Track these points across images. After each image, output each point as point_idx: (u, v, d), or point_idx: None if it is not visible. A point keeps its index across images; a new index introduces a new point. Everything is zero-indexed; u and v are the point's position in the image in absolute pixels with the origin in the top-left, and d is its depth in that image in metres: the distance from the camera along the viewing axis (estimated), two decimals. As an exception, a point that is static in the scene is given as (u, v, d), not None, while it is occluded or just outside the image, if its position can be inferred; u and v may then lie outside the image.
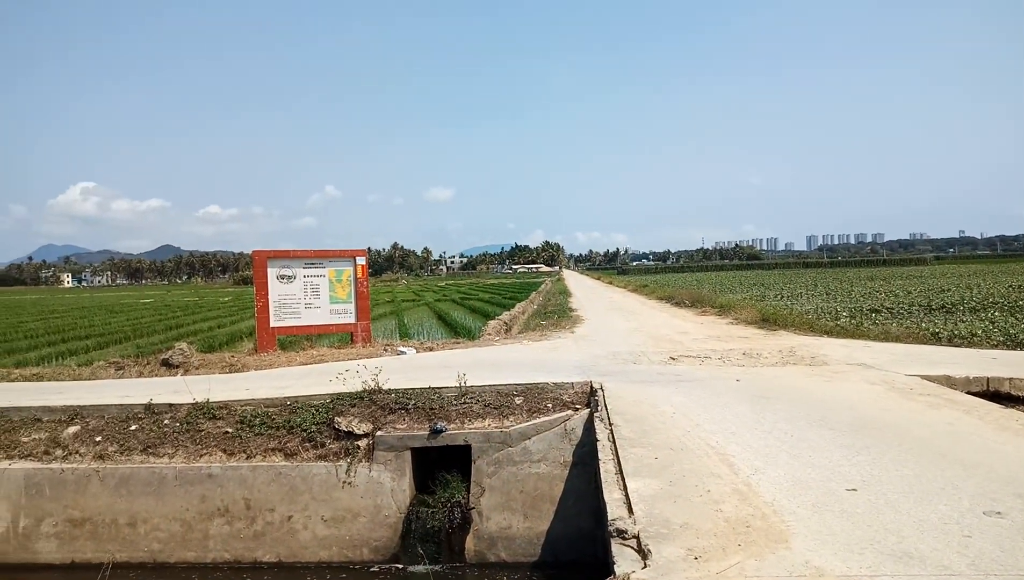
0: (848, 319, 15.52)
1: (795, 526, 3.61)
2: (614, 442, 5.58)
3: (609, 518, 3.87)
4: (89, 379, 11.37)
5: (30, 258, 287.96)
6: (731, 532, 3.54)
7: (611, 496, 4.31)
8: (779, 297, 24.97)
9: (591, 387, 7.95)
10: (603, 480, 4.70)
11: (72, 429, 7.95)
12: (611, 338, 13.22)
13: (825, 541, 3.41)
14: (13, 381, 11.47)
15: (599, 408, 6.95)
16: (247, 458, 7.40)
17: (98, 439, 7.75)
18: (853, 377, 8.22)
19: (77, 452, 7.59)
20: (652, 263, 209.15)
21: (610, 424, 6.17)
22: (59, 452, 7.61)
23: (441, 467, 7.38)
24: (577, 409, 7.54)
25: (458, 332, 21.41)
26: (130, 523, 7.09)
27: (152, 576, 6.78)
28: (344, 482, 7.18)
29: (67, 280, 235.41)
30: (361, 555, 6.95)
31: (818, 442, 5.27)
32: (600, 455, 5.31)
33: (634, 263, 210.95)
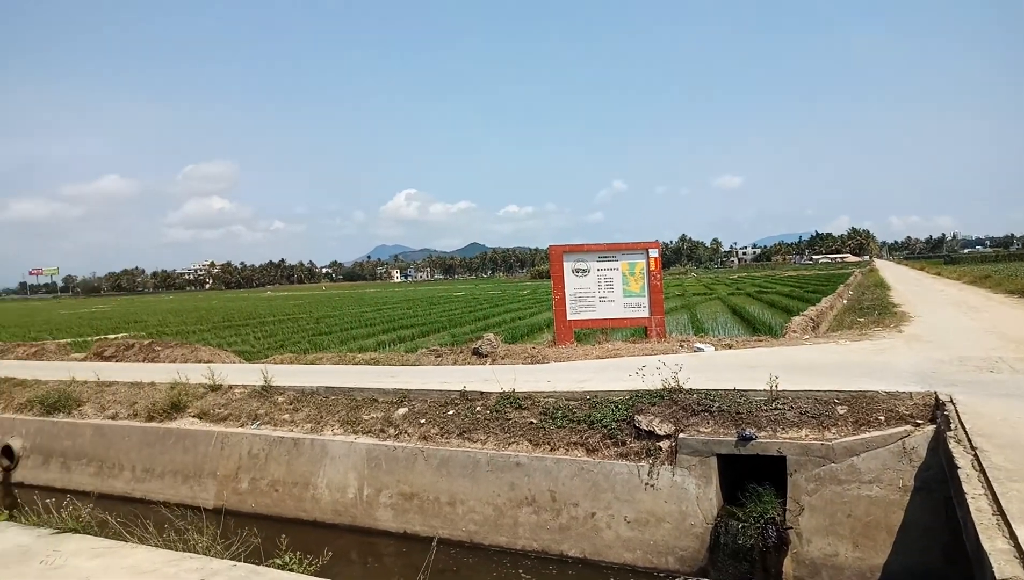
0: None
1: None
2: (982, 471, 4.52)
3: (997, 577, 3.05)
4: (414, 365, 12.70)
5: (368, 257, 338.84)
6: None
7: (993, 545, 3.42)
8: None
9: (936, 399, 6.68)
10: (975, 521, 3.78)
11: (401, 411, 8.85)
12: (953, 339, 11.19)
13: None
14: (356, 364, 13.27)
15: (952, 426, 5.77)
16: (551, 450, 7.54)
17: (422, 421, 8.51)
18: None
19: (406, 432, 8.41)
20: (989, 250, 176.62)
21: (972, 447, 5.05)
22: (392, 431, 8.51)
23: (750, 478, 6.77)
24: (918, 424, 6.38)
25: (757, 328, 20.09)
26: (450, 502, 7.64)
27: (469, 555, 7.22)
28: (646, 484, 6.93)
29: (396, 275, 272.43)
30: (666, 563, 6.65)
31: None
32: (965, 487, 4.33)
33: (965, 250, 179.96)
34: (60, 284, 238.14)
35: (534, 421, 7.99)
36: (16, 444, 10.86)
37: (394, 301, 56.47)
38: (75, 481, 10.17)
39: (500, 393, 8.59)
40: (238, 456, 9.06)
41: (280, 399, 9.84)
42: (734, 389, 7.61)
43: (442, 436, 8.18)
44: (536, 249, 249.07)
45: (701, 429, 7.09)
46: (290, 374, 11.58)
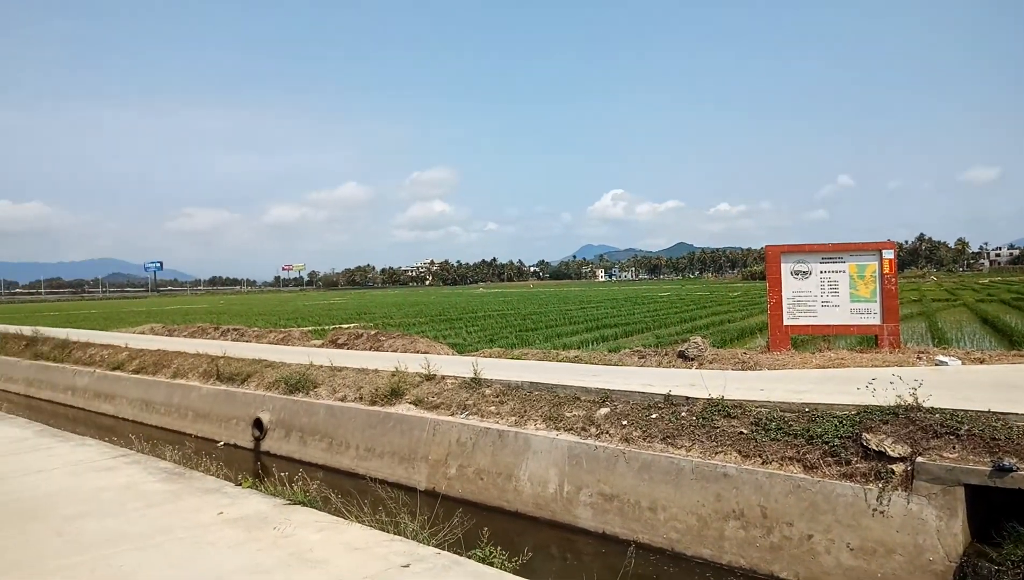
0: None
1: None
2: None
3: None
4: (616, 365, 12.56)
5: (574, 256, 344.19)
6: None
7: None
8: None
9: None
10: None
11: (603, 410, 8.76)
12: None
13: None
14: (560, 361, 13.42)
15: None
16: (762, 463, 7.03)
17: (624, 423, 8.36)
18: None
19: (607, 432, 8.31)
20: None
21: None
22: (593, 430, 8.45)
23: (1008, 515, 5.80)
24: None
25: (1016, 342, 17.33)
26: (651, 508, 7.42)
27: (670, 564, 6.95)
28: (874, 509, 6.20)
29: (600, 275, 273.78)
30: (897, 601, 5.90)
31: None
32: None
33: None
34: (305, 278, 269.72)
35: (744, 431, 7.51)
36: (265, 417, 12.37)
37: (598, 300, 56.68)
38: (309, 454, 11.35)
39: (707, 399, 8.20)
40: (448, 443, 9.54)
41: (487, 391, 10.21)
42: (988, 411, 6.60)
43: (644, 439, 7.97)
44: (748, 249, 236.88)
45: (945, 454, 6.20)
46: (497, 367, 11.99)
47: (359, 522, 4.83)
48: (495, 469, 8.90)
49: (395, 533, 4.59)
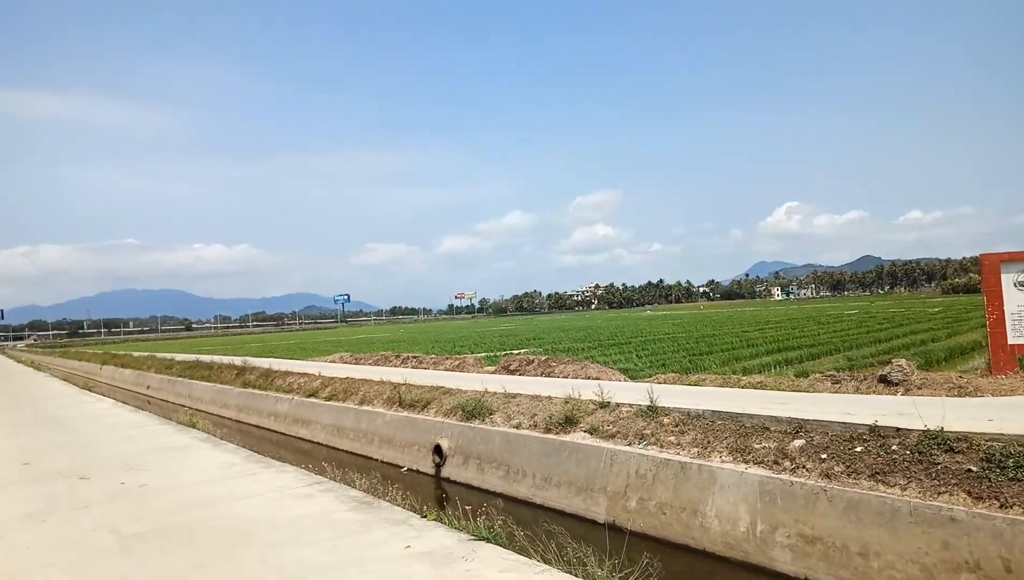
0: None
1: None
2: None
3: None
4: (806, 391, 11.57)
5: (746, 275, 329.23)
6: None
7: None
8: None
9: None
10: None
11: (798, 442, 8.01)
12: None
13: None
14: (742, 387, 12.59)
15: None
16: (1000, 507, 6.02)
17: (823, 456, 7.57)
18: None
19: (804, 467, 7.57)
20: None
21: None
22: (787, 464, 7.73)
23: None
24: None
25: None
26: (861, 553, 6.60)
27: (889, 621, 6.12)
28: None
29: (776, 293, 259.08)
30: None
31: None
32: None
33: None
34: (476, 306, 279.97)
35: (973, 468, 6.51)
36: (444, 444, 12.67)
37: (776, 320, 53.39)
38: (487, 482, 11.43)
39: (923, 431, 7.23)
40: (626, 474, 9.18)
41: (665, 420, 9.74)
42: None
43: (848, 475, 7.15)
44: (947, 259, 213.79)
45: None
46: (673, 394, 11.46)
47: (545, 562, 4.65)
48: (678, 503, 8.41)
49: (583, 577, 4.36)
